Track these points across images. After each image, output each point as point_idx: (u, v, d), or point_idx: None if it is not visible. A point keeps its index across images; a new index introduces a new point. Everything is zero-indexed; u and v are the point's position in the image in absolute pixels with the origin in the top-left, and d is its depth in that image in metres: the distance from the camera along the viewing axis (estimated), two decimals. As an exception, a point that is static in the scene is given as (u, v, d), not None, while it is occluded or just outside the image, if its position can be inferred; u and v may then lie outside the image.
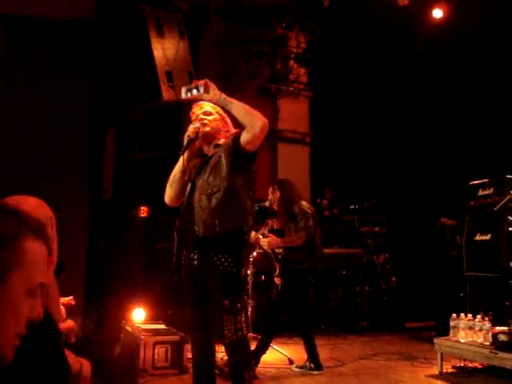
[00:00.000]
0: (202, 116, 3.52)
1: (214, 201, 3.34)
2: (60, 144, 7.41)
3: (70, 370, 1.45)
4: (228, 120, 3.60)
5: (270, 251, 5.51)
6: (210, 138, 3.52)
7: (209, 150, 3.54)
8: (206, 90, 3.25)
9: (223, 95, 3.29)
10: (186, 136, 3.48)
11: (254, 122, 3.22)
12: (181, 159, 3.49)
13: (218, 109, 3.55)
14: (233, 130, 3.54)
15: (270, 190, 5.47)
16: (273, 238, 5.27)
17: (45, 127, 7.36)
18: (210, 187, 3.37)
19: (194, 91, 3.28)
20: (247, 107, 3.28)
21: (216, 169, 3.40)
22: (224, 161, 3.37)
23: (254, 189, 3.47)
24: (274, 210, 5.56)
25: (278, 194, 5.41)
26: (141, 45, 6.78)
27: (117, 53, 7.15)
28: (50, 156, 7.30)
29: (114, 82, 7.33)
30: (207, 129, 3.49)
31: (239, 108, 3.27)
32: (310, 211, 5.37)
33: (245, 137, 3.26)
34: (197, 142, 3.51)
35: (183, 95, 3.35)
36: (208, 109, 3.55)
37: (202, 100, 3.42)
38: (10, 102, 7.28)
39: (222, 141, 3.50)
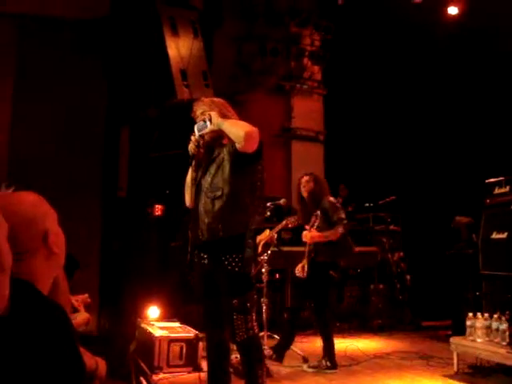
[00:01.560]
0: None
1: (217, 205, 3.36)
2: (75, 142, 7.47)
3: (85, 368, 1.45)
4: (230, 112, 3.57)
5: (309, 245, 5.32)
6: (213, 140, 3.53)
7: (216, 148, 3.56)
8: (211, 121, 3.37)
9: (219, 120, 3.35)
10: (188, 149, 3.52)
11: (237, 135, 3.24)
12: (190, 170, 3.56)
13: (219, 104, 3.56)
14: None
15: (306, 179, 5.45)
16: (313, 232, 5.21)
17: (60, 126, 7.41)
18: (213, 190, 3.40)
19: (205, 127, 3.41)
20: (235, 122, 3.36)
21: (219, 171, 3.42)
22: (227, 163, 3.39)
23: (260, 189, 3.47)
24: (289, 207, 5.57)
25: (311, 185, 5.40)
26: (155, 43, 6.79)
27: (132, 51, 7.17)
28: (65, 154, 7.36)
29: (128, 81, 7.36)
30: (208, 135, 3.49)
31: (228, 125, 3.33)
32: (338, 204, 5.44)
33: (238, 148, 3.28)
34: (201, 150, 3.53)
35: (196, 132, 3.46)
36: (207, 108, 3.55)
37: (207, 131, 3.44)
38: (25, 101, 7.34)
39: (226, 139, 3.50)
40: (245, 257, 3.31)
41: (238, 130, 3.26)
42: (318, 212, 5.22)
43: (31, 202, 1.57)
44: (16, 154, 7.28)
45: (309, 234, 5.24)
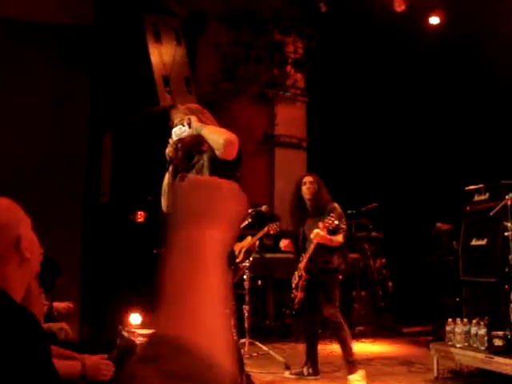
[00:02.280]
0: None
1: None
2: (58, 147, 7.42)
3: (58, 377, 1.43)
4: (208, 119, 3.55)
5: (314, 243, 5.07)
6: (192, 145, 3.53)
7: (194, 154, 3.55)
8: (190, 126, 3.36)
9: (198, 124, 3.35)
10: (166, 153, 3.51)
11: (216, 141, 3.25)
12: (167, 175, 3.53)
13: (195, 111, 3.56)
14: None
15: (309, 179, 5.24)
16: (323, 234, 4.96)
17: (43, 131, 7.37)
18: None
19: (183, 130, 3.38)
20: (214, 128, 3.36)
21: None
22: (206, 169, 3.40)
23: None
24: (271, 214, 5.52)
25: (316, 187, 5.20)
26: (138, 50, 6.79)
27: (116, 58, 7.16)
28: (47, 159, 7.31)
29: (112, 87, 7.34)
30: (187, 139, 3.48)
31: (207, 131, 3.32)
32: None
33: (217, 154, 3.29)
34: (179, 153, 3.52)
35: (174, 137, 3.43)
36: (185, 116, 3.54)
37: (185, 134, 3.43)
38: (6, 106, 7.29)
39: (205, 146, 3.49)
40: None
41: (217, 136, 3.27)
42: (336, 222, 4.92)
43: (3, 207, 1.56)
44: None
45: (320, 234, 4.95)
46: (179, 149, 3.49)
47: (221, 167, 3.33)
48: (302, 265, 5.11)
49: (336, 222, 4.88)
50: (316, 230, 4.97)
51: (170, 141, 3.50)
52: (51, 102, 7.40)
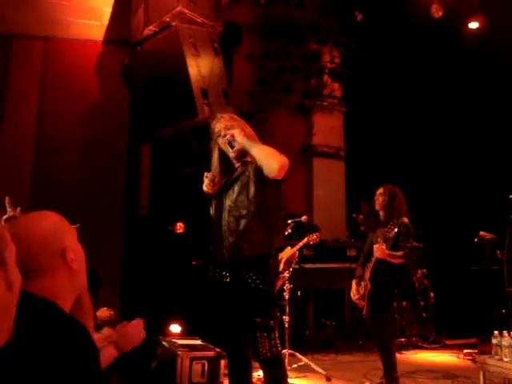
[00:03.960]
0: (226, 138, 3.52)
1: (242, 224, 3.35)
2: (98, 160, 7.56)
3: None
4: (248, 129, 3.58)
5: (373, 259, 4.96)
6: (237, 157, 3.54)
7: (238, 164, 3.55)
8: (233, 145, 3.45)
9: (245, 141, 3.39)
10: (204, 189, 3.55)
11: (270, 166, 3.29)
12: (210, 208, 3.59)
13: (239, 121, 3.58)
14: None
15: (379, 191, 5.17)
16: (383, 249, 4.85)
17: (83, 144, 7.53)
18: (238, 209, 3.38)
19: (233, 145, 3.45)
20: (267, 150, 3.37)
21: (245, 189, 3.40)
22: (252, 182, 3.39)
23: (283, 209, 3.47)
24: (310, 224, 5.48)
25: (385, 198, 5.11)
26: (176, 62, 6.86)
27: (154, 70, 7.25)
28: (87, 173, 7.45)
29: (150, 99, 7.43)
30: (232, 155, 3.51)
31: (259, 152, 3.35)
32: (412, 229, 5.09)
33: (267, 175, 3.31)
34: (215, 188, 3.55)
35: (231, 153, 3.50)
36: (228, 124, 3.56)
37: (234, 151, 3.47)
38: (49, 120, 7.47)
39: (249, 157, 3.50)
40: (268, 275, 3.30)
41: (271, 161, 3.30)
42: (396, 230, 4.82)
43: (50, 221, 1.59)
44: (39, 173, 7.38)
45: (381, 249, 4.85)
46: (215, 184, 3.52)
47: (266, 180, 3.33)
48: (366, 275, 5.01)
49: (395, 230, 4.79)
50: (376, 245, 4.90)
51: (205, 179, 3.52)
52: (91, 113, 7.56)
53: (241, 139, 3.38)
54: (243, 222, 3.34)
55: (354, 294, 5.15)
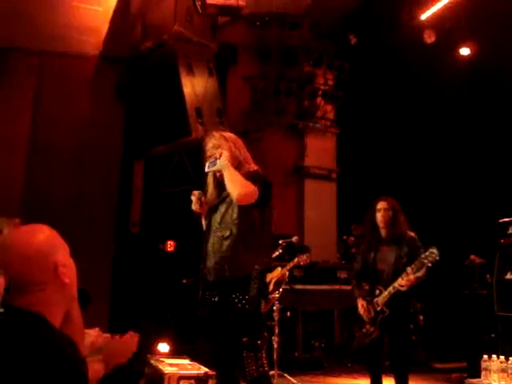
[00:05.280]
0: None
1: (225, 245, 3.36)
2: (90, 177, 7.55)
3: None
4: (241, 149, 3.57)
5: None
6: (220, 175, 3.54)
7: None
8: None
9: (224, 163, 3.38)
10: (193, 208, 3.57)
11: (232, 192, 3.33)
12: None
13: (230, 140, 3.56)
14: (248, 165, 3.53)
15: (384, 205, 4.84)
16: (411, 276, 4.49)
17: (76, 160, 7.52)
18: (222, 230, 3.40)
19: (213, 165, 3.45)
20: (235, 178, 3.34)
21: (229, 210, 3.42)
22: (235, 204, 3.40)
23: (268, 231, 3.46)
24: (301, 245, 5.40)
25: (391, 214, 4.79)
26: (171, 81, 6.90)
27: (149, 88, 7.29)
28: (79, 189, 7.43)
29: (144, 117, 7.46)
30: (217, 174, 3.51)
31: (228, 178, 3.36)
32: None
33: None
34: (205, 208, 3.57)
35: (206, 169, 3.50)
36: (217, 143, 3.55)
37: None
38: (42, 136, 7.47)
39: None
40: (250, 295, 3.28)
41: (234, 188, 3.32)
42: (406, 248, 4.62)
43: (43, 234, 1.59)
44: (30, 188, 7.37)
45: (405, 280, 4.49)
46: (203, 204, 3.54)
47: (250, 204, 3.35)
48: (381, 300, 4.65)
49: (429, 265, 4.49)
50: (404, 280, 4.50)
51: (193, 198, 3.54)
52: (85, 130, 7.57)
53: (221, 162, 3.39)
54: (226, 243, 3.35)
55: (364, 313, 4.74)
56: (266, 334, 3.47)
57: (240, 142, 3.61)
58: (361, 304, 4.76)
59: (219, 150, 3.46)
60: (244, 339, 3.26)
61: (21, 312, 1.45)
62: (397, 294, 4.59)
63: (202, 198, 3.54)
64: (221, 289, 3.38)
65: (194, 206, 3.54)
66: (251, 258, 3.33)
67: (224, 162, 3.38)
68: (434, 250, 4.48)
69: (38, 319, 1.48)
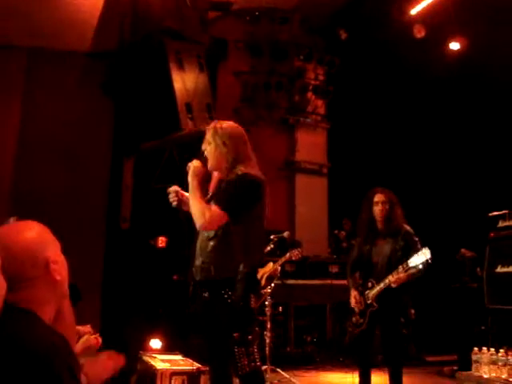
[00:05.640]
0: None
1: (210, 245, 3.32)
2: (80, 173, 7.52)
3: None
4: (237, 144, 3.42)
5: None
6: (214, 170, 3.46)
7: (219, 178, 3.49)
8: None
9: (192, 184, 3.30)
10: (173, 204, 3.50)
11: (194, 219, 3.26)
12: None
13: (222, 136, 3.39)
14: (242, 164, 3.36)
15: (382, 198, 4.81)
16: (402, 277, 4.53)
17: (65, 156, 7.48)
18: (207, 230, 3.34)
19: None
20: (194, 199, 3.26)
21: None
22: None
23: (258, 227, 3.39)
24: (293, 240, 5.40)
25: (388, 208, 4.76)
26: (161, 77, 6.88)
27: (138, 84, 7.26)
28: (69, 185, 7.40)
29: (134, 113, 7.44)
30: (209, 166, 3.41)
31: (190, 197, 3.30)
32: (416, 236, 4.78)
33: None
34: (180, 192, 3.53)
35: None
36: (207, 140, 3.44)
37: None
38: (31, 132, 7.43)
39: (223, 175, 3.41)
40: (236, 295, 3.25)
41: (194, 218, 3.25)
42: (402, 242, 4.61)
43: (34, 231, 1.58)
44: (19, 185, 7.32)
45: (395, 278, 4.51)
46: (179, 197, 3.49)
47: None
48: (372, 294, 4.68)
49: (420, 267, 4.53)
50: (394, 277, 4.54)
51: (170, 195, 3.48)
52: (74, 126, 7.52)
53: (189, 177, 3.33)
54: (211, 243, 3.31)
55: (356, 304, 4.77)
56: (257, 329, 3.47)
57: (238, 136, 3.46)
58: (353, 295, 4.77)
59: (207, 147, 3.36)
60: (235, 334, 3.25)
61: (11, 308, 1.44)
62: (388, 289, 4.59)
63: (179, 193, 3.48)
64: (209, 287, 3.37)
65: (174, 203, 3.48)
66: (237, 258, 3.28)
67: (190, 177, 3.32)
68: (426, 253, 4.49)
69: (28, 315, 1.47)
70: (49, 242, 1.60)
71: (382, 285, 4.60)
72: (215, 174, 3.49)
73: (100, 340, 3.04)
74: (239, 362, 3.24)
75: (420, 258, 4.49)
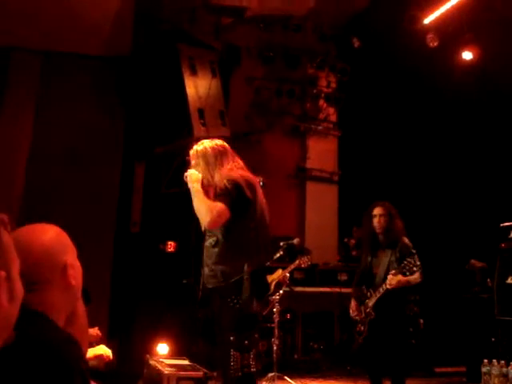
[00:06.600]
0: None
1: (214, 252, 3.39)
2: (91, 177, 7.54)
3: None
4: (224, 161, 3.55)
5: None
6: (206, 184, 3.54)
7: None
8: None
9: (194, 187, 3.42)
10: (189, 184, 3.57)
11: (200, 219, 3.36)
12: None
13: (205, 156, 3.57)
14: (228, 167, 3.52)
15: (379, 211, 4.89)
16: (401, 277, 4.62)
17: (77, 160, 7.51)
18: (210, 236, 3.45)
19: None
20: (202, 203, 3.36)
21: None
22: None
23: (257, 229, 3.43)
24: (302, 247, 5.41)
25: (386, 220, 4.86)
26: (174, 82, 6.91)
27: (150, 89, 7.29)
28: (80, 189, 7.42)
29: (146, 117, 7.47)
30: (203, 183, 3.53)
31: (196, 202, 3.39)
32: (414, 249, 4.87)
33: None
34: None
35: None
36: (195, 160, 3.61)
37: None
38: (44, 133, 7.47)
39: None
40: (243, 298, 3.28)
41: (202, 216, 3.34)
42: (411, 261, 4.64)
43: (53, 234, 1.59)
44: (31, 188, 7.36)
45: (396, 279, 4.62)
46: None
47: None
48: (370, 303, 4.76)
49: (414, 269, 4.62)
50: (391, 277, 4.64)
51: (186, 179, 3.55)
52: (86, 130, 7.55)
53: (189, 183, 3.45)
54: (214, 251, 3.40)
55: (353, 313, 4.88)
56: (256, 335, 3.48)
57: (215, 153, 3.57)
58: (351, 305, 4.94)
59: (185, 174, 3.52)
60: (232, 337, 3.26)
61: (24, 310, 1.44)
62: (385, 298, 4.68)
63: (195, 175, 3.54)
64: (218, 293, 3.39)
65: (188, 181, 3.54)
66: (241, 261, 3.33)
67: (191, 185, 3.44)
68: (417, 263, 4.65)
69: (40, 318, 1.48)
70: (67, 246, 1.61)
71: (377, 294, 4.73)
72: (211, 189, 3.57)
73: (100, 333, 3.07)
74: (233, 365, 3.25)
75: (413, 261, 4.63)
